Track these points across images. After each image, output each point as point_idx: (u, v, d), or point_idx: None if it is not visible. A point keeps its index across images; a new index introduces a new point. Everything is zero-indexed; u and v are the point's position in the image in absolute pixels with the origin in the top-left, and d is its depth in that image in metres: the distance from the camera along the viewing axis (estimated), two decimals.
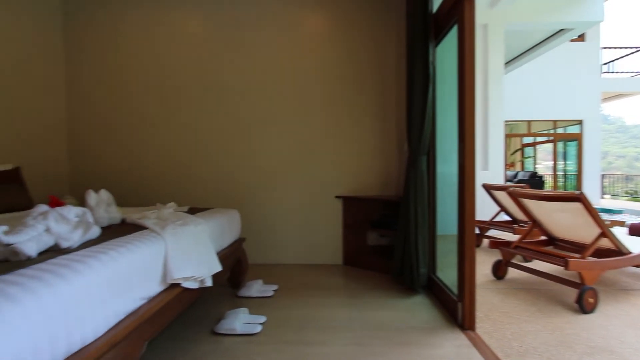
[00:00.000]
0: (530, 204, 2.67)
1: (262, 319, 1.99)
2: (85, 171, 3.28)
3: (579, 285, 2.16)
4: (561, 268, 2.21)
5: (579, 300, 2.11)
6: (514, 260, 2.77)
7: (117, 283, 1.15)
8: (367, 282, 2.69)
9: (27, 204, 2.30)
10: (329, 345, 1.72)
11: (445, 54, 2.39)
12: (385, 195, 3.14)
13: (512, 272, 2.90)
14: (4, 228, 1.07)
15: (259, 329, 1.87)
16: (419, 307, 2.19)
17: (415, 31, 2.37)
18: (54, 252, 1.16)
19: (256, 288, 2.46)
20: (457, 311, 1.93)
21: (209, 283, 1.69)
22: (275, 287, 2.54)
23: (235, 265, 2.50)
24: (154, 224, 1.62)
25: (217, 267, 1.79)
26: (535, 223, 2.80)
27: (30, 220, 1.16)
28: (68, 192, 3.27)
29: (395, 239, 2.64)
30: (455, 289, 2.02)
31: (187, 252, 1.58)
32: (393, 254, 2.73)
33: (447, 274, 2.36)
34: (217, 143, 3.22)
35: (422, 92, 2.33)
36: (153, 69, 3.22)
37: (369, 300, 2.30)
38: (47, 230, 1.17)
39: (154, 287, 1.38)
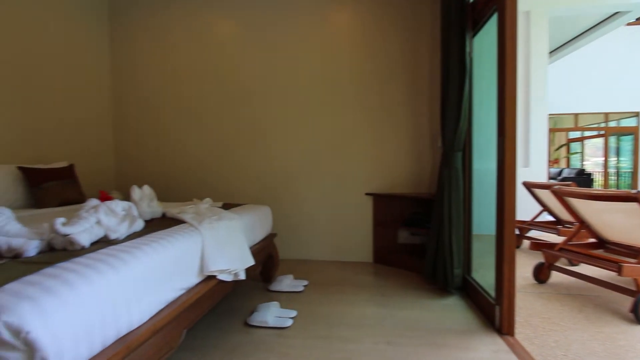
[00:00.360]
0: (578, 203, 2.48)
1: (293, 313, 2.03)
2: (129, 168, 3.51)
3: (635, 293, 1.97)
4: (613, 274, 2.04)
5: (635, 309, 1.94)
6: (558, 264, 2.59)
7: (159, 273, 1.22)
8: (397, 281, 2.64)
9: (80, 198, 2.51)
10: (360, 343, 1.71)
11: (484, 44, 2.28)
12: (417, 193, 3.06)
13: (555, 276, 2.72)
14: (62, 220, 1.17)
15: (289, 322, 1.90)
16: (452, 309, 2.12)
17: (451, 22, 2.27)
18: (103, 242, 1.26)
19: (287, 283, 2.50)
20: (494, 315, 1.85)
21: (242, 276, 1.74)
22: (305, 282, 2.57)
23: (266, 260, 2.56)
24: (191, 219, 1.70)
25: (250, 261, 1.85)
26: (583, 224, 2.59)
27: (83, 213, 1.26)
28: (114, 187, 3.51)
29: (427, 238, 2.57)
30: (492, 292, 1.93)
31: (222, 245, 1.64)
32: (425, 253, 2.66)
33: (484, 275, 2.25)
34: (250, 141, 3.30)
35: (457, 86, 2.24)
36: (192, 67, 3.36)
37: (400, 299, 2.26)
38: (98, 222, 1.27)
39: (192, 279, 1.45)
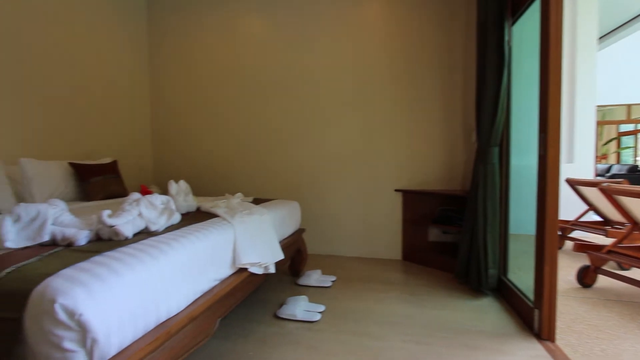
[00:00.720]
0: (631, 202, 2.28)
1: (321, 307, 2.05)
2: (166, 164, 3.69)
3: None
4: None
5: None
6: (605, 267, 2.40)
7: (195, 264, 1.28)
8: (427, 280, 2.58)
9: (122, 192, 2.68)
10: (388, 340, 1.70)
11: (524, 32, 2.14)
12: (449, 189, 2.96)
13: (602, 280, 2.53)
14: (108, 212, 1.26)
15: (318, 317, 1.92)
16: (486, 310, 2.04)
17: (488, 9, 2.15)
18: (144, 234, 1.34)
19: (315, 278, 2.52)
20: (532, 318, 1.75)
21: (272, 270, 1.78)
22: (333, 278, 2.58)
23: (295, 255, 2.60)
24: (224, 213, 1.76)
25: (280, 255, 1.88)
26: (636, 225, 2.38)
27: (127, 206, 1.34)
28: (152, 182, 3.71)
29: (460, 237, 2.48)
30: (531, 294, 1.83)
31: (253, 239, 1.69)
32: (457, 252, 2.58)
33: (521, 277, 2.14)
34: (279, 137, 3.35)
35: (495, 76, 2.12)
36: (223, 67, 3.46)
37: (430, 298, 2.21)
38: (140, 215, 1.35)
39: (225, 270, 1.50)
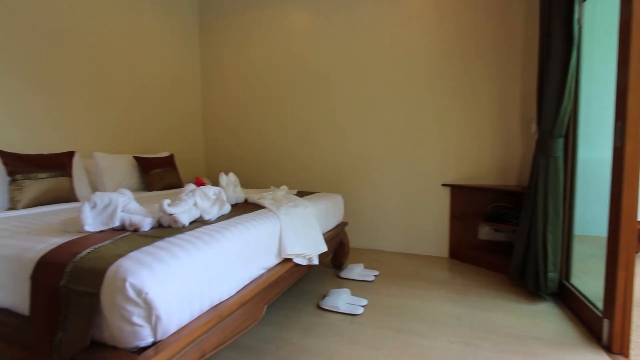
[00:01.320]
0: None
1: (364, 301, 2.04)
2: (216, 157, 3.90)
3: None
4: None
5: None
6: None
7: (245, 252, 1.35)
8: (477, 280, 2.45)
9: (178, 184, 2.89)
10: (434, 339, 1.65)
11: (598, 8, 1.90)
12: (503, 184, 2.76)
13: None
14: (168, 201, 1.36)
15: (361, 310, 1.92)
16: (544, 316, 1.88)
17: None
18: (199, 222, 1.43)
19: (357, 271, 2.52)
20: (601, 329, 1.58)
21: (315, 261, 1.81)
22: (376, 272, 2.55)
23: (337, 248, 2.61)
24: (270, 205, 1.82)
25: (323, 248, 1.90)
26: None
27: (183, 196, 1.44)
28: (204, 174, 3.95)
29: (516, 235, 2.31)
30: (599, 302, 1.65)
31: (297, 231, 1.73)
32: (512, 252, 2.40)
33: (587, 282, 1.94)
34: (324, 130, 3.37)
35: (561, 59, 1.92)
36: (270, 64, 3.55)
37: (480, 300, 2.10)
38: (195, 204, 1.44)
39: (271, 260, 1.56)
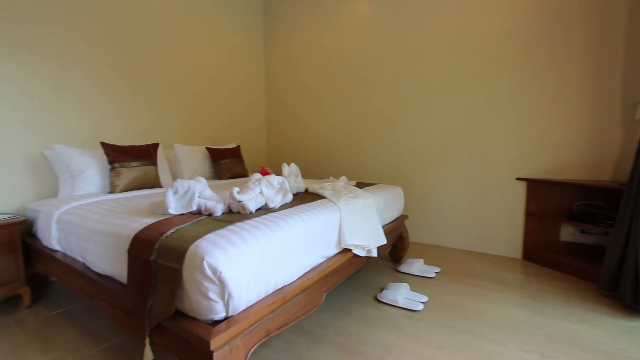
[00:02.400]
0: None
1: (424, 298, 1.97)
2: (277, 148, 4.07)
3: None
4: None
5: None
6: None
7: (306, 240, 1.39)
8: (556, 285, 2.19)
9: (244, 173, 3.09)
10: (502, 345, 1.52)
11: None
12: (594, 179, 2.40)
13: None
14: (237, 189, 1.46)
15: (421, 307, 1.86)
16: None
17: None
18: (264, 210, 1.51)
19: (417, 267, 2.44)
20: None
21: (374, 253, 1.79)
22: (437, 269, 2.44)
23: (397, 241, 2.55)
24: (330, 195, 1.84)
25: (382, 240, 1.88)
26: None
27: (250, 185, 1.54)
28: (266, 164, 4.16)
29: (609, 239, 2.00)
30: None
31: (357, 222, 1.72)
32: (603, 257, 2.10)
33: None
34: (382, 120, 3.28)
35: None
36: (331, 55, 3.56)
37: (559, 308, 1.88)
38: (261, 192, 1.52)
39: (331, 249, 1.59)
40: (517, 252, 2.74)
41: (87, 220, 1.55)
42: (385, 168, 3.29)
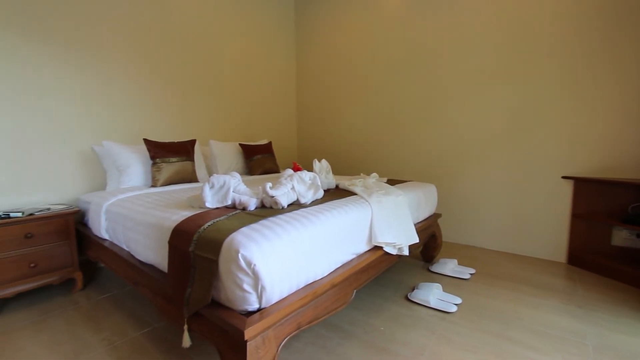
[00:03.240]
0: None
1: (458, 300, 1.90)
2: (308, 144, 4.10)
3: None
4: None
5: None
6: None
7: (337, 236, 1.39)
8: (606, 293, 2.03)
9: (275, 169, 3.15)
10: (545, 354, 1.44)
11: None
12: None
13: None
14: (270, 184, 1.49)
15: (454, 308, 1.80)
16: None
17: None
18: (295, 205, 1.53)
19: (450, 267, 2.36)
20: None
21: (405, 252, 1.76)
22: (472, 270, 2.35)
23: (429, 240, 2.48)
24: (361, 192, 1.82)
25: (414, 238, 1.83)
26: None
27: (283, 180, 1.56)
28: (297, 160, 4.20)
29: None
30: None
31: (388, 219, 1.70)
32: None
33: None
34: (414, 116, 3.20)
35: None
36: (361, 50, 3.52)
37: (610, 318, 1.74)
38: (292, 188, 1.55)
39: (362, 246, 1.58)
40: (561, 255, 2.57)
41: (132, 212, 1.66)
42: (418, 165, 3.21)
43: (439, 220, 3.04)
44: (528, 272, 2.36)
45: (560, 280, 2.23)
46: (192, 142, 2.60)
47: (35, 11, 2.12)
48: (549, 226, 2.59)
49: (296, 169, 1.98)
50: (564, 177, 2.51)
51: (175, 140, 2.74)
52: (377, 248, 1.67)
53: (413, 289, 2.04)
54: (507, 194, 2.75)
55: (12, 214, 1.82)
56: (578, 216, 2.46)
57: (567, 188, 2.51)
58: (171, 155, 2.37)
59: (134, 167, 2.30)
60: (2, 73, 2.02)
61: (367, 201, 1.67)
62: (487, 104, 2.78)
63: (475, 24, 2.79)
